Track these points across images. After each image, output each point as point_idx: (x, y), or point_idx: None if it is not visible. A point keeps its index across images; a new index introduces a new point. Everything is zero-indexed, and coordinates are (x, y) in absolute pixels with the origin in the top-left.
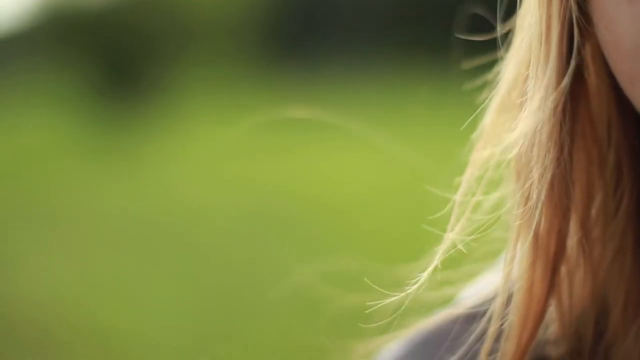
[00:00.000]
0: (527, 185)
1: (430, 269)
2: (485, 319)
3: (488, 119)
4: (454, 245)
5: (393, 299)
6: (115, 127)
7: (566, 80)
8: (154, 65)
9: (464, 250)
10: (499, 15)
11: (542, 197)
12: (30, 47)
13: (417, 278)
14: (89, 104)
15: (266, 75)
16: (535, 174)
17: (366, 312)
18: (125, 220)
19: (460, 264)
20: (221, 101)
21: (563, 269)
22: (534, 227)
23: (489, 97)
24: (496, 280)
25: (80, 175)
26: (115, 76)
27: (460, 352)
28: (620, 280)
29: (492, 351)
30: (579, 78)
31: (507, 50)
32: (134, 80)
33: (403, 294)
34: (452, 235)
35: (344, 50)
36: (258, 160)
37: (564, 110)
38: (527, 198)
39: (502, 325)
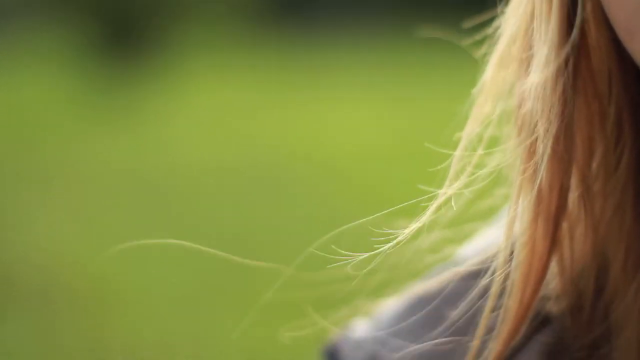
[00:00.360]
0: (531, 139)
1: (425, 217)
2: (487, 275)
3: (488, 74)
4: (449, 201)
5: (386, 248)
6: (116, 85)
7: (574, 33)
8: (156, 23)
9: (463, 208)
10: None
11: (548, 151)
12: (30, 3)
13: (414, 230)
14: (89, 62)
15: (266, 34)
16: (540, 129)
17: (363, 270)
18: (125, 178)
19: (460, 222)
20: (222, 60)
21: (564, 225)
22: (537, 182)
23: (488, 53)
24: (496, 238)
25: (81, 133)
26: (116, 33)
27: (462, 307)
28: (621, 236)
29: (495, 308)
30: (580, 32)
31: (506, 4)
32: (135, 38)
33: (395, 242)
34: (450, 191)
35: (345, 10)
36: (258, 119)
37: (566, 65)
38: (531, 153)
39: (504, 282)
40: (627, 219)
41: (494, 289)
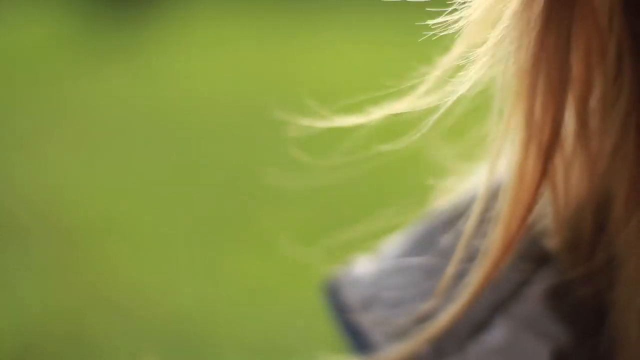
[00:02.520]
0: (522, 60)
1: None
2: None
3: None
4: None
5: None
6: (117, 23)
7: None
8: None
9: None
10: None
11: (542, 80)
12: None
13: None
14: (89, 3)
15: None
16: (527, 53)
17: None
18: (128, 115)
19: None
20: (230, 4)
21: (558, 160)
22: (526, 105)
23: None
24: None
25: (83, 71)
26: None
27: (454, 233)
28: (623, 170)
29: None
30: None
31: None
32: None
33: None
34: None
35: None
36: (261, 55)
37: None
38: (525, 82)
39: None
40: (630, 153)
41: (473, 218)
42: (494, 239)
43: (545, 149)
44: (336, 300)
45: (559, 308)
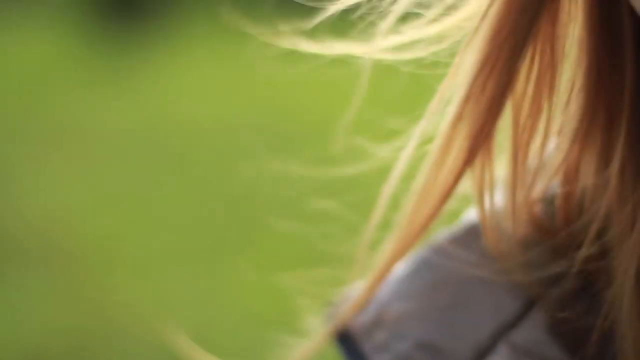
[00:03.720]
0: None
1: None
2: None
3: None
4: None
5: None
6: (118, 46)
7: None
8: None
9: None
10: None
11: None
12: None
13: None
14: (92, 22)
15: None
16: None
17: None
18: (128, 137)
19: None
20: (224, 25)
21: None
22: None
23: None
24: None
25: (84, 93)
26: None
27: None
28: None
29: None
30: None
31: None
32: (139, 1)
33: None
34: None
35: None
36: (257, 83)
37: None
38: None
39: None
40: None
41: (383, 199)
42: (398, 225)
43: (475, 135)
44: (337, 327)
45: (561, 336)
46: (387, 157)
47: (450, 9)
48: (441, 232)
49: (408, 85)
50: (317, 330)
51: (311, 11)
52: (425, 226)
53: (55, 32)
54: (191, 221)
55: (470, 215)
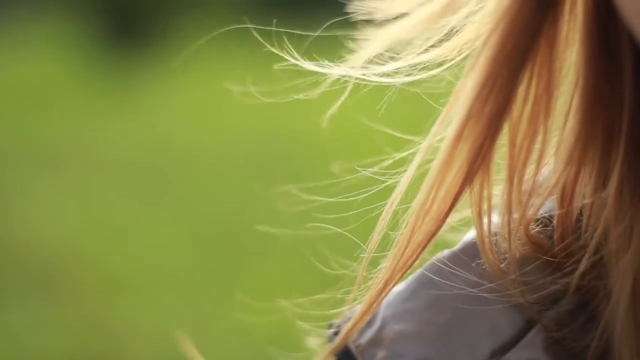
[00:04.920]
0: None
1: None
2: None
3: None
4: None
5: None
6: (118, 70)
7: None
8: (158, 9)
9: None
10: None
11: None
12: None
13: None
14: (91, 45)
15: (267, 23)
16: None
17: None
18: (126, 161)
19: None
20: (221, 46)
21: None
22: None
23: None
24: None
25: (83, 116)
26: (118, 18)
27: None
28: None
29: None
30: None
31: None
32: (137, 23)
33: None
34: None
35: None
36: (253, 106)
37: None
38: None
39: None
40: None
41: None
42: (399, 243)
43: (469, 164)
44: (337, 347)
45: (559, 355)
46: (383, 176)
47: (450, 34)
48: (440, 252)
49: (406, 106)
50: (317, 351)
51: (309, 35)
52: (424, 245)
53: (54, 54)
54: (188, 244)
55: (469, 235)
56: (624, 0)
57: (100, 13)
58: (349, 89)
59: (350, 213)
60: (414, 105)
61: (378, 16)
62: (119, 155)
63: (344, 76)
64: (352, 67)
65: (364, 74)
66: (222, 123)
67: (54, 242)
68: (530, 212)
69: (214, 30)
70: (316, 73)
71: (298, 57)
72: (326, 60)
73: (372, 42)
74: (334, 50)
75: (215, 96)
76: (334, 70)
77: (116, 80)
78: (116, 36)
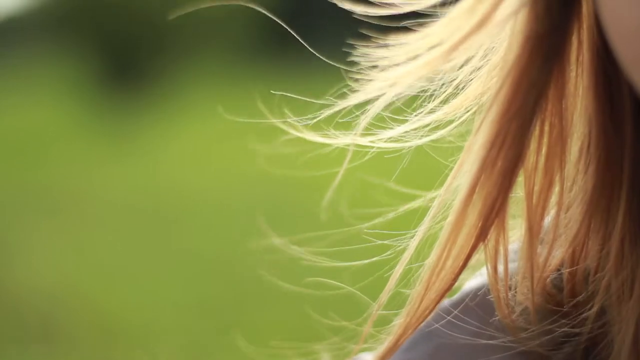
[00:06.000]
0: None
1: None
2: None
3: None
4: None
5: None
6: (116, 114)
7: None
8: (156, 53)
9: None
10: None
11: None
12: (33, 29)
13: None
14: (90, 89)
15: (264, 67)
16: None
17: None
18: (125, 204)
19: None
20: (220, 91)
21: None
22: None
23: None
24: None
25: (81, 161)
26: (118, 65)
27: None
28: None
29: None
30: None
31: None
32: (135, 66)
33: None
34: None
35: (338, 43)
36: (253, 149)
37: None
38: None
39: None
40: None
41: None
42: (414, 296)
43: (484, 219)
44: None
45: None
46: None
47: (455, 92)
48: (443, 302)
49: (419, 163)
50: None
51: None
52: (437, 301)
53: (53, 98)
54: (186, 290)
55: (469, 284)
56: (621, 49)
57: (98, 56)
58: (349, 153)
59: (356, 263)
60: (421, 159)
61: (383, 63)
62: (117, 200)
63: (350, 145)
64: (359, 134)
65: (371, 141)
66: (221, 168)
67: (53, 287)
68: (550, 264)
69: (212, 73)
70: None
71: (299, 117)
72: (332, 128)
73: (373, 86)
74: (335, 82)
75: (214, 140)
76: (340, 140)
77: (115, 125)
78: (114, 80)
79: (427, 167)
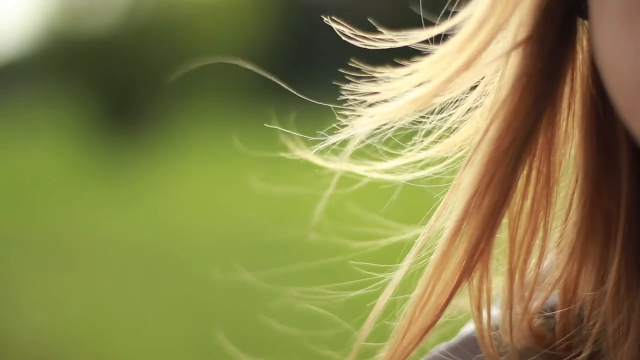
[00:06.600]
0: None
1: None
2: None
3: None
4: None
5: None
6: (116, 157)
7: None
8: (155, 96)
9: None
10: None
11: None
12: (33, 74)
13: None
14: (90, 133)
15: (264, 108)
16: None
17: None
18: (126, 247)
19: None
20: (219, 132)
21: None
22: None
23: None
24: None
25: (82, 203)
26: (117, 106)
27: None
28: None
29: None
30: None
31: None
32: (135, 110)
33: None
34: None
35: (334, 79)
36: (251, 189)
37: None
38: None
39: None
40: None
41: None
42: (396, 335)
43: (466, 260)
44: None
45: None
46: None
47: (449, 131)
48: (437, 346)
49: (408, 199)
50: None
51: (309, 122)
52: (420, 336)
53: (54, 143)
54: (188, 334)
55: (467, 328)
56: (619, 98)
57: (97, 100)
58: (335, 180)
59: (348, 293)
60: (411, 192)
61: (373, 99)
62: (118, 242)
63: (347, 172)
64: (355, 164)
65: (365, 171)
66: (222, 210)
67: (56, 328)
68: (533, 306)
69: (212, 116)
70: (317, 167)
71: (298, 146)
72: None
73: (361, 122)
74: (327, 122)
75: (214, 182)
76: (337, 166)
77: (114, 168)
78: (114, 123)
79: (417, 200)
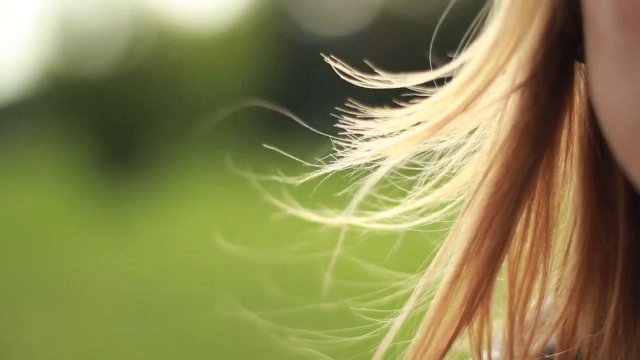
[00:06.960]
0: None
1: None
2: None
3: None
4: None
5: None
6: (113, 197)
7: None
8: (152, 137)
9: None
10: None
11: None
12: (31, 115)
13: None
14: (87, 174)
15: (262, 149)
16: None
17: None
18: (122, 288)
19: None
20: (215, 175)
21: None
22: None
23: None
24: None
25: (79, 244)
26: (114, 147)
27: None
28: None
29: None
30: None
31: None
32: (132, 151)
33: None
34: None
35: (330, 118)
36: (248, 230)
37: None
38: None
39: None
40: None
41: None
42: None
43: (468, 301)
44: None
45: None
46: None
47: (448, 176)
48: None
49: (407, 244)
50: None
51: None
52: None
53: (49, 184)
54: None
55: None
56: (617, 143)
57: (94, 141)
58: (342, 234)
59: (350, 338)
60: (411, 238)
61: (369, 134)
62: (113, 284)
63: (344, 224)
64: (352, 214)
65: (365, 221)
66: (218, 252)
67: None
68: (533, 348)
69: (209, 158)
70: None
71: (294, 202)
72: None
73: (356, 155)
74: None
75: (211, 223)
76: (333, 220)
77: (112, 210)
78: (110, 164)
79: (417, 246)
